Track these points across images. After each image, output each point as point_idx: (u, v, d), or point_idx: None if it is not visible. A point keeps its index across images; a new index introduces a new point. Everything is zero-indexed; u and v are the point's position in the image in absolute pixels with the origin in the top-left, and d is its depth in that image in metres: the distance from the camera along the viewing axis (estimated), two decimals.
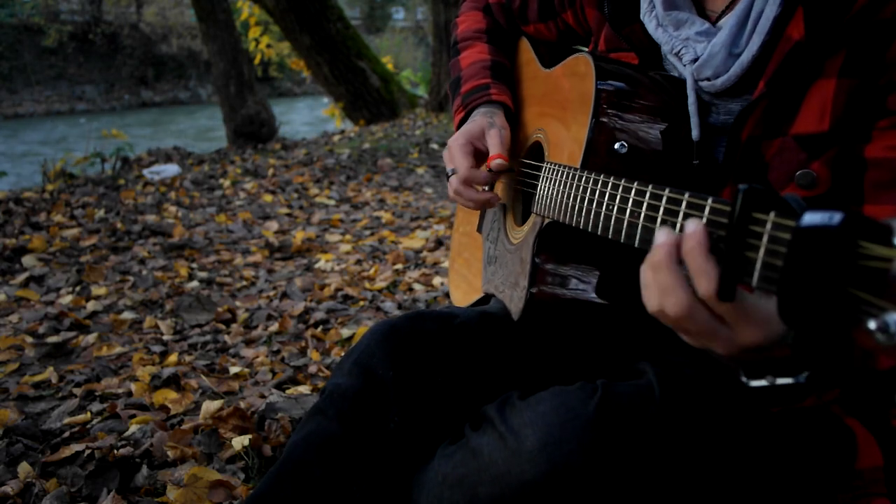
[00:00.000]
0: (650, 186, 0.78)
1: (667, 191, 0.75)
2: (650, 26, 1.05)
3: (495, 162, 1.19)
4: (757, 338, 0.68)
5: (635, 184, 0.81)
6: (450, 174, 1.25)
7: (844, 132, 0.88)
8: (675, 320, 0.70)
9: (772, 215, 0.59)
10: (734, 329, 0.68)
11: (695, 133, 0.98)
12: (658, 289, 0.70)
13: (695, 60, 0.99)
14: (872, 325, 0.50)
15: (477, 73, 1.36)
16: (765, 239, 0.59)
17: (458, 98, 1.37)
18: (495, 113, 1.28)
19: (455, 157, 1.23)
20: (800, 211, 0.57)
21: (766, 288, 0.59)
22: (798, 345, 0.69)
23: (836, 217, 0.53)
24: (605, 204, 0.88)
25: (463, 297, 1.47)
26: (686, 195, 0.71)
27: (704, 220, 0.67)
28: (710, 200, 0.68)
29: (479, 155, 1.25)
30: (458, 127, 1.36)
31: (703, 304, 0.68)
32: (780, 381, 0.72)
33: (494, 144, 1.21)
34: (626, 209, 0.82)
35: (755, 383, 0.74)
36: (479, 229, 1.44)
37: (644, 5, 1.07)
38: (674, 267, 0.68)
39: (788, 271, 0.56)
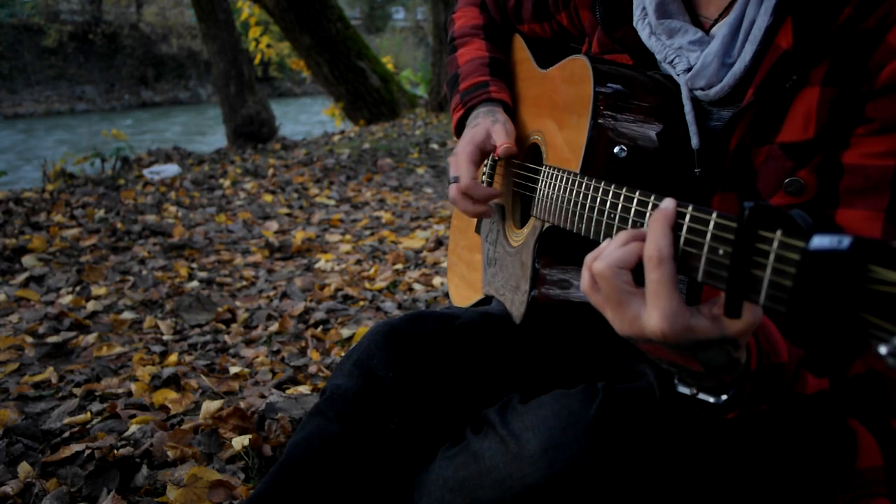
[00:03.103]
0: (652, 197, 0.77)
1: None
2: (643, 34, 1.04)
3: (503, 147, 1.20)
4: (658, 328, 0.70)
5: (637, 193, 0.80)
6: (451, 181, 1.24)
7: (828, 140, 0.88)
8: (599, 273, 0.74)
9: (778, 234, 0.59)
10: (647, 305, 0.71)
11: (694, 141, 0.97)
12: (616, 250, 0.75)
13: (688, 70, 0.98)
14: (884, 349, 0.50)
15: (475, 70, 1.35)
16: (771, 258, 0.59)
17: (457, 95, 1.36)
18: (496, 111, 1.28)
19: (461, 165, 1.22)
20: (806, 228, 0.57)
21: (774, 307, 0.59)
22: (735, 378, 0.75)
23: (846, 241, 0.53)
24: (606, 212, 0.86)
25: (463, 298, 1.47)
26: (690, 208, 0.70)
27: (709, 235, 0.67)
28: (714, 214, 0.67)
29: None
30: (457, 125, 1.35)
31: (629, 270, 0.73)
32: (702, 396, 0.80)
33: (500, 136, 1.22)
34: (627, 219, 0.81)
35: (682, 389, 0.81)
36: (478, 230, 1.44)
37: (637, 12, 1.06)
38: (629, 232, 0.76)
39: (798, 293, 0.56)
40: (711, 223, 0.67)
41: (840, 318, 0.53)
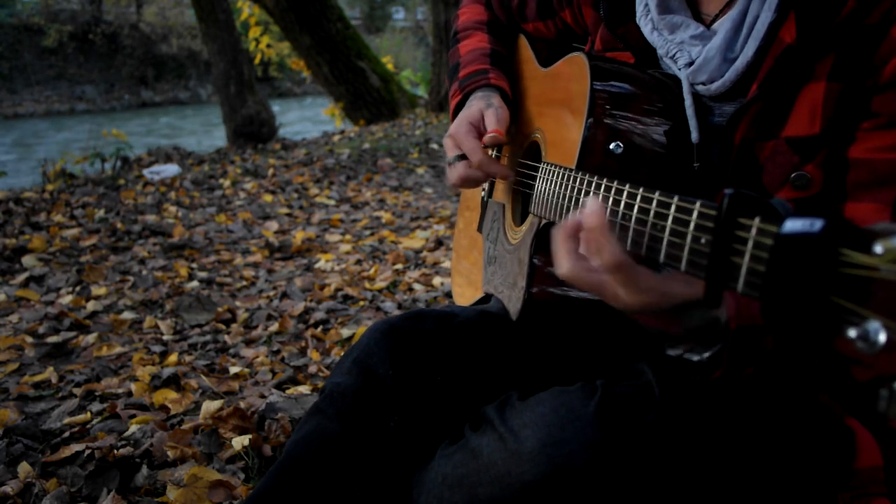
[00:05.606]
0: (641, 189, 0.77)
1: (657, 194, 0.75)
2: (645, 30, 1.05)
3: (488, 136, 1.19)
4: (638, 303, 0.78)
5: (627, 186, 0.81)
6: (451, 161, 1.24)
7: (834, 134, 0.88)
8: (570, 279, 0.83)
9: (757, 220, 0.59)
10: (623, 290, 0.78)
11: (694, 136, 0.98)
12: (565, 252, 0.82)
13: (690, 64, 0.99)
14: (853, 333, 0.49)
15: (476, 60, 1.36)
16: (749, 244, 0.59)
17: (456, 82, 1.36)
18: (492, 95, 1.28)
19: (463, 142, 1.22)
20: (785, 216, 0.56)
21: (752, 294, 0.59)
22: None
23: (818, 224, 0.52)
24: None
25: (465, 296, 1.47)
26: (675, 199, 0.71)
27: (692, 224, 0.68)
28: (697, 204, 0.67)
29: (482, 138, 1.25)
30: (455, 111, 1.35)
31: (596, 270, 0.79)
32: (687, 356, 0.85)
33: (491, 122, 1.22)
34: (617, 212, 0.82)
35: (670, 352, 0.87)
36: (480, 228, 1.44)
37: (639, 8, 1.07)
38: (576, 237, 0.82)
39: (770, 278, 0.56)
40: (695, 212, 0.67)
41: (811, 302, 0.52)
